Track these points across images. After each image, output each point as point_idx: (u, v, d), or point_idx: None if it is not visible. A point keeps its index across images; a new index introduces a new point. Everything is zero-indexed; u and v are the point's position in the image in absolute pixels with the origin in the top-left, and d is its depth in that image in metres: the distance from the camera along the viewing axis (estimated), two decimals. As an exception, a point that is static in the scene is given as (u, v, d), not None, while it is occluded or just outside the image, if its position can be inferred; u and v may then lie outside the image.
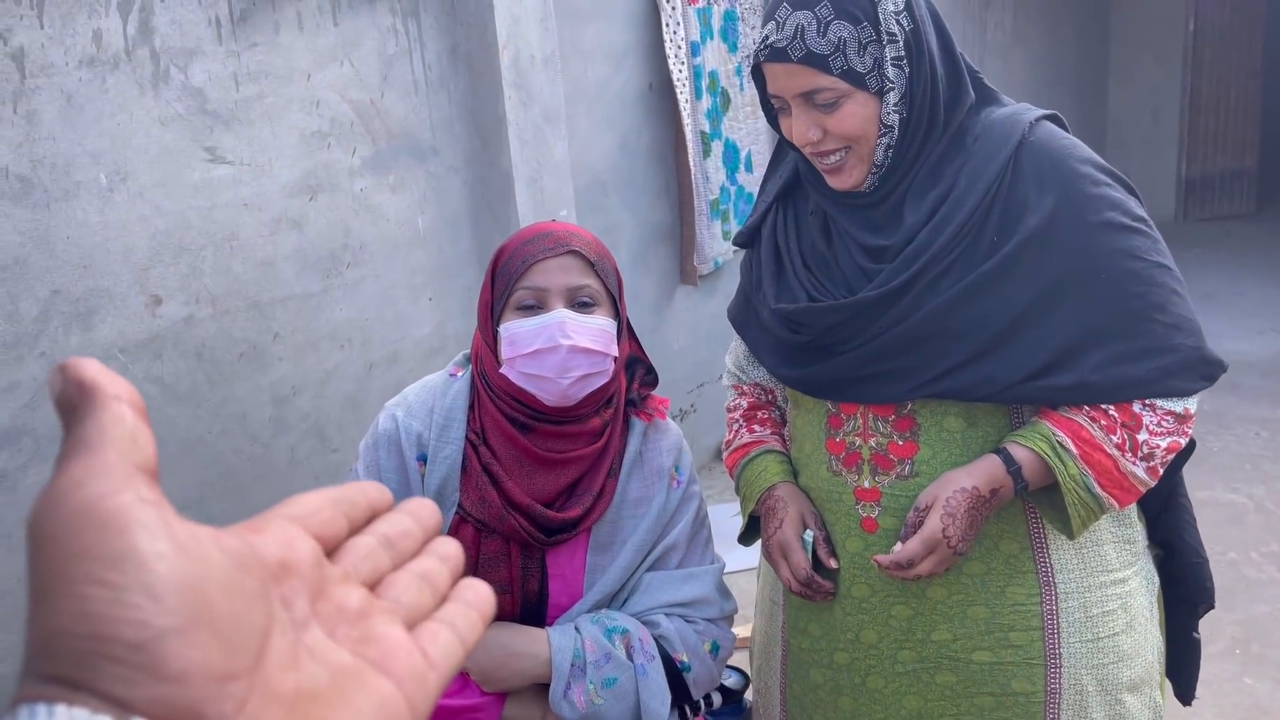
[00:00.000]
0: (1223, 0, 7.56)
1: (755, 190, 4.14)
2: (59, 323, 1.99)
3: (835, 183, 1.26)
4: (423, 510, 0.40)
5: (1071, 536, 1.22)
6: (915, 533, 1.20)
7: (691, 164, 3.65)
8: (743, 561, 3.30)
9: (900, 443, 1.28)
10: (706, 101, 3.73)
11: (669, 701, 1.31)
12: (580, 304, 1.30)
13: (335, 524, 0.36)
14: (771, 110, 1.32)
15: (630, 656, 1.30)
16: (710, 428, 4.18)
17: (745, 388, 1.56)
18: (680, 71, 3.56)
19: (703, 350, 4.03)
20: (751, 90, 4.02)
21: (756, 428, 1.50)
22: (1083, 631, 1.27)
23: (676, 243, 3.84)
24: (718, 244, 3.90)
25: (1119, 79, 8.07)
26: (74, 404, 0.30)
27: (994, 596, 1.28)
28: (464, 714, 1.29)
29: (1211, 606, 1.39)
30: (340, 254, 2.49)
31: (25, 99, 1.91)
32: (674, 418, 4.02)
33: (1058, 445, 1.19)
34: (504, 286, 1.30)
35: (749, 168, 4.07)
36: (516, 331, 1.29)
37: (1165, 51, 7.79)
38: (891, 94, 1.21)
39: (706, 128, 3.74)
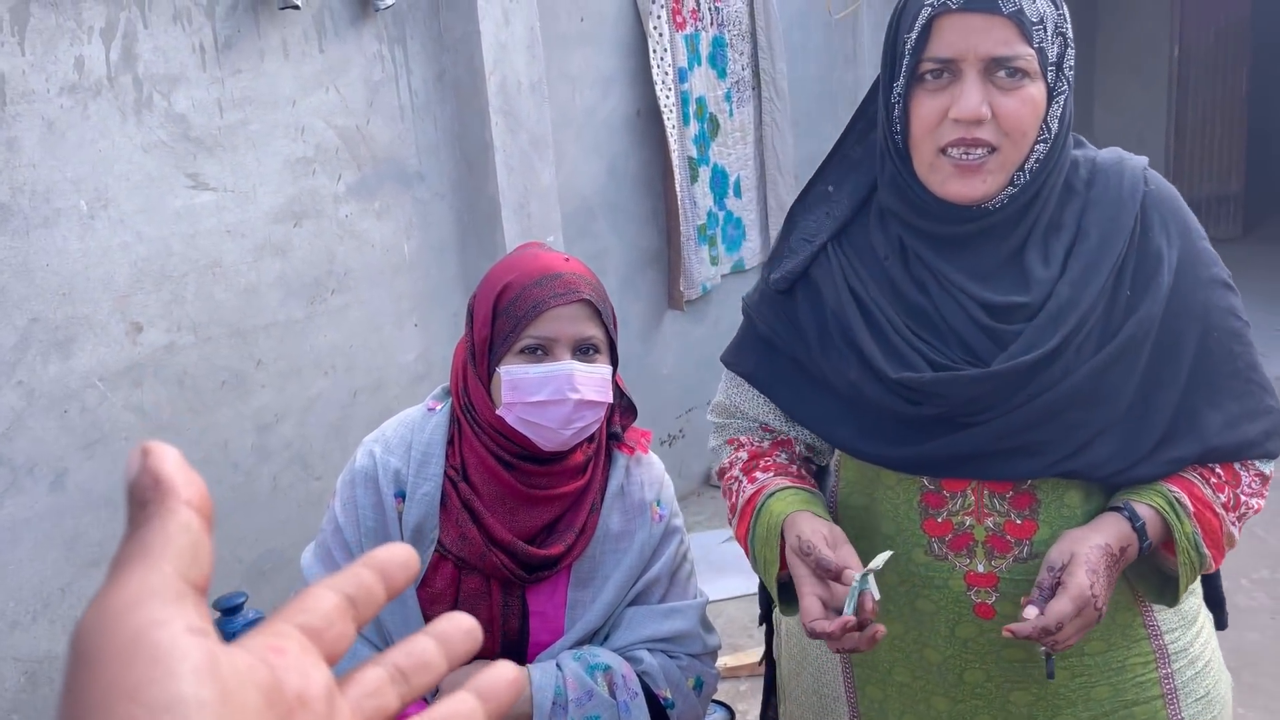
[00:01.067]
0: (1207, 25, 7.64)
1: (744, 215, 4.15)
2: (37, 351, 1.97)
3: (962, 188, 1.07)
4: (453, 632, 0.39)
5: (1174, 602, 1.13)
6: (1051, 594, 1.04)
7: (679, 189, 3.65)
8: (727, 590, 3.28)
9: (1019, 522, 1.13)
10: (694, 127, 3.74)
11: (651, 740, 1.29)
12: (584, 351, 1.29)
13: (347, 637, 0.36)
14: (887, 93, 1.13)
15: (613, 694, 1.28)
16: (699, 453, 4.16)
17: (742, 439, 1.32)
18: (668, 97, 3.57)
19: (691, 375, 4.02)
20: (742, 115, 4.03)
21: (759, 475, 1.26)
22: (1194, 689, 1.20)
23: (664, 268, 3.84)
24: (705, 269, 3.89)
25: (1105, 103, 8.14)
26: (145, 497, 0.31)
27: (1115, 673, 1.17)
28: (442, 754, 1.26)
29: (1224, 626, 1.32)
30: (325, 280, 2.48)
31: (5, 126, 1.90)
32: (662, 443, 4.01)
33: (1175, 502, 1.11)
34: (509, 328, 1.28)
35: (738, 193, 4.08)
36: (521, 378, 1.27)
37: (1150, 76, 7.86)
38: (1059, 99, 1.09)
39: (694, 153, 3.75)
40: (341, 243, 2.51)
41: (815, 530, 1.09)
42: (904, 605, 1.20)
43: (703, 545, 3.64)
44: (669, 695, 1.32)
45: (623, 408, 1.45)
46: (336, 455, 2.53)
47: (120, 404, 2.08)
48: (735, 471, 1.29)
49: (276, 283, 2.36)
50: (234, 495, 2.31)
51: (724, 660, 2.79)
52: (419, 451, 1.33)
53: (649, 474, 1.43)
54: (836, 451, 1.30)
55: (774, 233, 4.32)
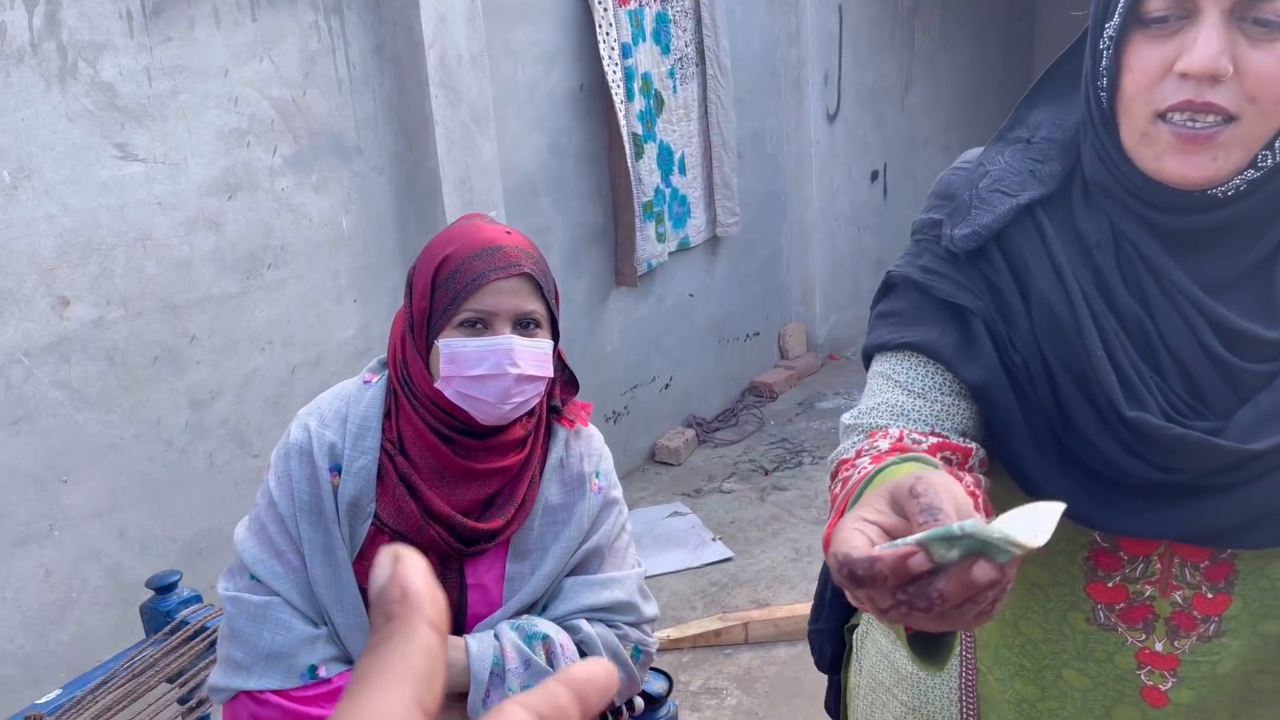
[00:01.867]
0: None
1: (689, 192, 4.15)
2: (-42, 326, 1.91)
3: (1183, 166, 0.82)
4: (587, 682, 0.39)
5: None
6: None
7: (628, 165, 3.65)
8: (670, 564, 3.31)
9: (1210, 595, 0.91)
10: (639, 103, 3.73)
11: (589, 709, 1.30)
12: (524, 325, 1.29)
13: None
14: (1097, 37, 0.87)
15: (551, 663, 1.29)
16: (643, 430, 4.18)
17: (893, 430, 0.91)
18: (614, 73, 3.55)
19: (635, 352, 4.03)
20: (686, 92, 4.03)
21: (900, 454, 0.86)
22: None
23: (609, 245, 3.84)
24: (652, 246, 3.90)
25: (1043, 86, 8.27)
26: (391, 610, 0.32)
27: None
28: (380, 726, 1.26)
29: None
30: (260, 254, 2.43)
31: (-80, 92, 1.83)
32: (606, 420, 4.02)
33: None
34: (448, 300, 1.27)
35: (683, 170, 4.09)
36: (460, 351, 1.26)
37: (1087, 60, 8.00)
38: None
39: (639, 129, 3.74)
40: (278, 216, 2.46)
41: (948, 488, 0.62)
42: (1045, 669, 1.00)
43: (646, 520, 3.67)
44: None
45: (564, 381, 1.45)
46: (274, 432, 2.49)
47: (47, 380, 2.03)
48: (861, 460, 0.87)
49: (210, 256, 2.32)
50: (168, 473, 2.27)
51: (667, 632, 2.82)
52: (355, 425, 1.32)
53: (588, 446, 1.44)
54: (974, 458, 0.92)
55: (720, 211, 4.34)
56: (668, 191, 4.01)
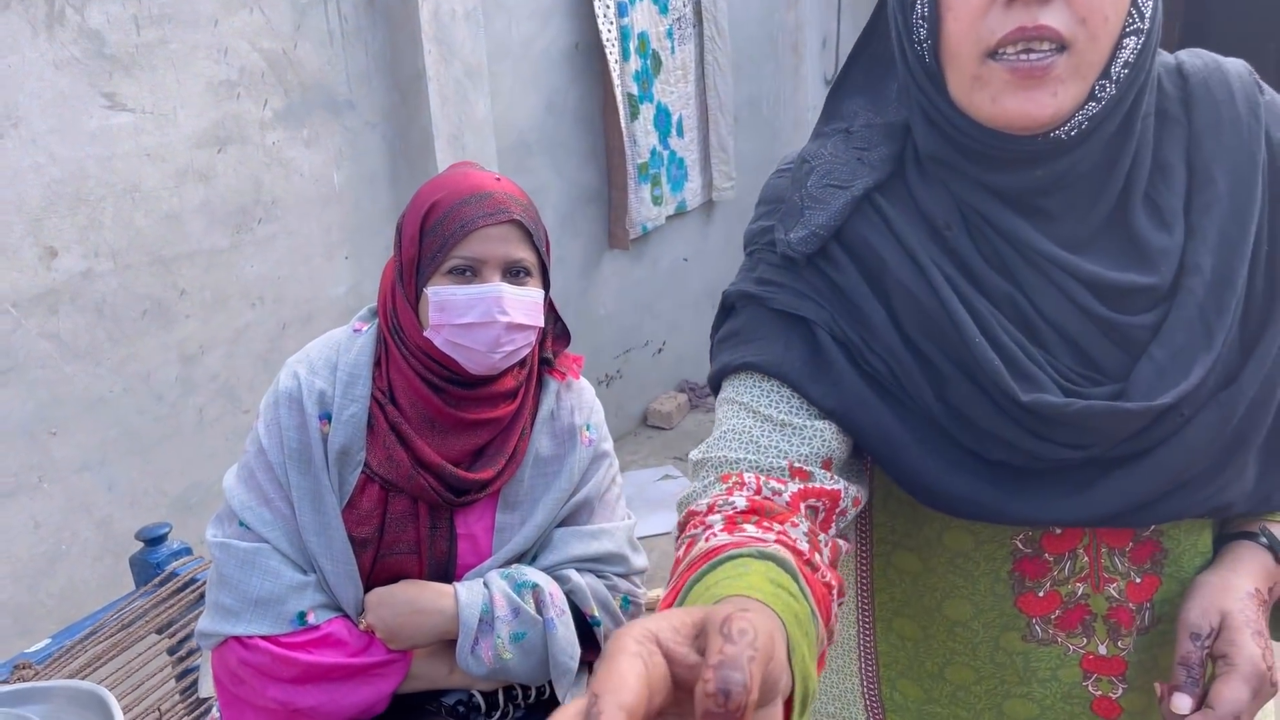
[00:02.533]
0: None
1: (687, 155, 4.12)
2: (-56, 274, 1.89)
3: (1025, 104, 0.75)
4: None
5: None
6: (1202, 673, 0.77)
7: (622, 126, 3.62)
8: (661, 525, 3.33)
9: (1139, 580, 0.85)
10: (635, 63, 3.69)
11: (578, 656, 1.31)
12: (514, 273, 1.28)
13: None
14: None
15: (540, 611, 1.29)
16: (637, 393, 4.18)
17: (748, 476, 0.81)
18: (609, 31, 3.51)
19: (629, 316, 4.02)
20: (683, 53, 3.99)
21: (749, 529, 0.75)
22: None
23: (604, 206, 3.81)
24: (647, 208, 3.87)
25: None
26: None
27: None
28: (370, 671, 1.27)
29: None
30: (251, 209, 2.41)
31: (-97, 35, 1.80)
32: (599, 383, 4.02)
33: None
34: (436, 246, 1.26)
35: (680, 132, 4.05)
36: (449, 299, 1.25)
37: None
38: None
39: (635, 90, 3.71)
40: (268, 170, 2.44)
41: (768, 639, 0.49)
42: (983, 711, 0.90)
43: (638, 483, 3.68)
44: (596, 613, 1.34)
45: (555, 333, 1.44)
46: (265, 388, 2.47)
47: (35, 331, 2.01)
48: (714, 518, 0.76)
49: (200, 210, 2.29)
50: (158, 426, 2.26)
51: (656, 592, 2.83)
52: (345, 373, 1.31)
53: (579, 399, 1.43)
54: (863, 490, 0.86)
55: (716, 175, 4.31)
56: (665, 154, 3.98)
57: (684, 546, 0.76)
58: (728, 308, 0.93)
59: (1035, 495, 0.80)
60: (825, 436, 0.83)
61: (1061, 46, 0.73)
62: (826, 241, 0.84)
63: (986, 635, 0.88)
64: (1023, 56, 0.73)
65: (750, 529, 0.73)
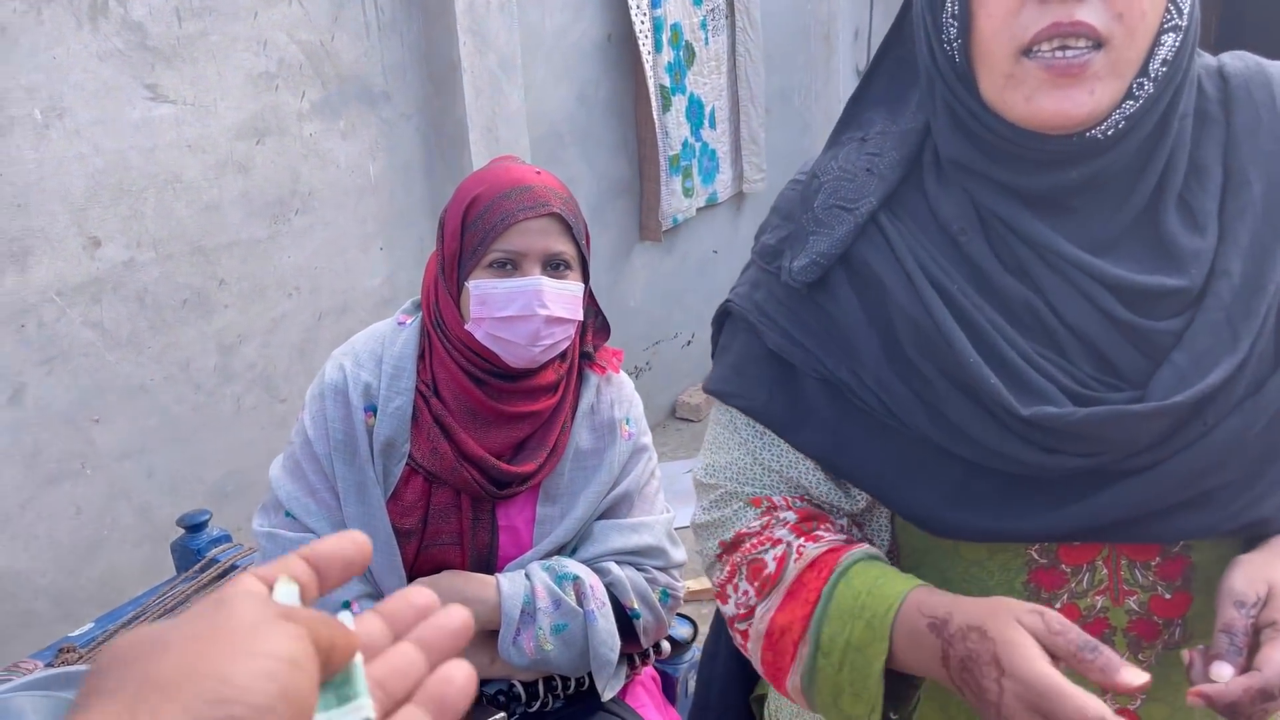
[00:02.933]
0: None
1: (719, 147, 4.11)
2: (-8, 263, 1.92)
3: (1061, 103, 0.73)
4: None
5: None
6: (1246, 643, 0.73)
7: (654, 118, 3.61)
8: (687, 518, 3.32)
9: (1168, 596, 0.83)
10: (668, 55, 3.68)
11: (618, 648, 1.32)
12: (554, 266, 1.28)
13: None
14: None
15: (580, 603, 1.30)
16: (666, 385, 4.19)
17: (775, 498, 0.91)
18: (642, 22, 3.50)
19: (658, 308, 4.01)
20: (717, 44, 3.97)
21: (824, 535, 0.87)
22: None
23: (634, 198, 3.81)
24: (677, 200, 3.87)
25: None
26: None
27: None
28: (411, 662, 1.28)
29: None
30: (288, 200, 2.43)
31: (-47, 27, 1.82)
32: (629, 375, 4.01)
33: None
34: (477, 240, 1.27)
35: (712, 124, 4.04)
36: (490, 292, 1.26)
37: None
38: None
39: (667, 81, 3.70)
40: (305, 162, 2.45)
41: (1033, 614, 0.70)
42: None
43: (667, 475, 3.68)
44: (635, 606, 1.34)
45: (595, 327, 1.45)
46: (301, 378, 2.51)
47: (79, 319, 2.04)
48: (779, 532, 0.85)
49: (239, 201, 2.31)
50: (196, 415, 2.29)
51: (688, 583, 2.84)
52: (390, 365, 1.32)
53: (619, 393, 1.44)
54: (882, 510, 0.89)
55: (746, 167, 4.29)
56: (697, 145, 3.96)
57: (774, 564, 0.85)
58: (727, 313, 0.97)
59: (1041, 509, 0.79)
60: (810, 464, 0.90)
61: (1098, 43, 0.71)
62: (828, 269, 0.85)
63: None
64: (1058, 54, 0.72)
65: (825, 534, 0.83)
